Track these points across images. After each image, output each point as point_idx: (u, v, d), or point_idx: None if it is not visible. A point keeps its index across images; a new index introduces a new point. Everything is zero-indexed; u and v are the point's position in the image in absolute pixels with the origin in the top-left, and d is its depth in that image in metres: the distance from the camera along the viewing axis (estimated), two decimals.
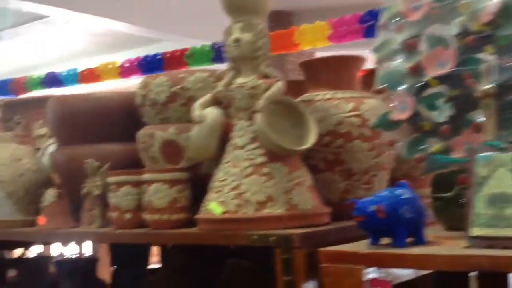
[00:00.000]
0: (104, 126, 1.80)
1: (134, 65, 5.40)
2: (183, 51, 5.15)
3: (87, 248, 4.90)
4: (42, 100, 2.32)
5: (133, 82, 2.87)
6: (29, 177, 1.89)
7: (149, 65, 5.25)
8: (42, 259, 2.59)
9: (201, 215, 1.40)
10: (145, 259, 2.44)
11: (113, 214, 1.56)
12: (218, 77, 1.56)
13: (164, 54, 5.28)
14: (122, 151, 1.78)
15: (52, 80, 5.44)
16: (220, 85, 1.43)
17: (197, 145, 1.41)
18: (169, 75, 1.58)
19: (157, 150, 1.58)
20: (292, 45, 4.04)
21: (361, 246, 1.07)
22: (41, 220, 1.71)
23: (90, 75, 5.44)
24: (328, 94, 1.49)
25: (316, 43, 3.92)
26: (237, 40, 1.39)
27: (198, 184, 1.51)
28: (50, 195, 1.74)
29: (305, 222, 1.30)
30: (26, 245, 2.64)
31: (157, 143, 1.57)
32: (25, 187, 1.88)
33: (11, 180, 1.85)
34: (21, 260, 2.68)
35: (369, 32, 3.58)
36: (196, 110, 1.42)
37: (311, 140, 1.35)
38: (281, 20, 7.75)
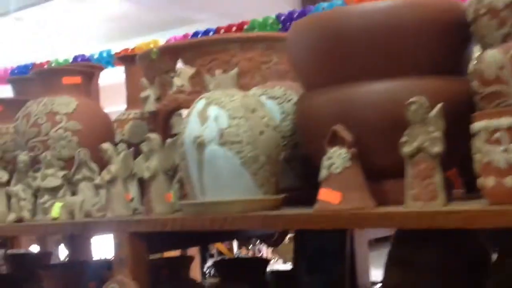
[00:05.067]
0: (401, 53, 1.19)
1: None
2: (240, 25, 4.51)
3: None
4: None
5: None
6: (269, 137, 1.25)
7: None
8: None
9: None
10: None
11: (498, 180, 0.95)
12: None
13: (218, 29, 4.62)
14: (439, 89, 1.17)
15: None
16: None
17: None
18: None
19: None
20: None
21: None
22: (332, 196, 1.09)
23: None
24: None
25: None
26: None
27: None
28: (341, 157, 1.11)
29: None
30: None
31: None
32: (267, 151, 1.24)
33: (249, 141, 1.21)
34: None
35: None
36: None
37: None
38: None
